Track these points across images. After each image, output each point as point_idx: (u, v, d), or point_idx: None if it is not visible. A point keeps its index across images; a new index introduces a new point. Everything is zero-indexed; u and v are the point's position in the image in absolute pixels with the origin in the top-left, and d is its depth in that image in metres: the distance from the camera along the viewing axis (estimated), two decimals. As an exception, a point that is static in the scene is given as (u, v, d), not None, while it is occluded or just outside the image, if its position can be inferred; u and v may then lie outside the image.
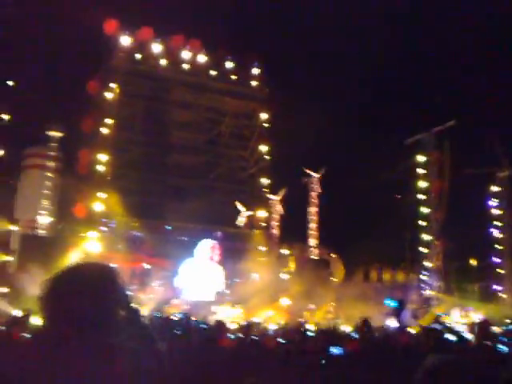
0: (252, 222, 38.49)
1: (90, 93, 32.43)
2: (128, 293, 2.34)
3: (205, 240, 35.89)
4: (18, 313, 13.40)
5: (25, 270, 23.57)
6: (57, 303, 2.05)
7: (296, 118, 34.81)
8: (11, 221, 31.21)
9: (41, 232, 33.48)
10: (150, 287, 30.95)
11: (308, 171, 40.51)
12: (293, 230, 39.09)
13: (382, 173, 34.61)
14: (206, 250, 35.85)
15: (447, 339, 7.95)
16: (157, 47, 38.88)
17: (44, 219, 33.98)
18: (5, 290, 23.32)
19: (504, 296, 33.20)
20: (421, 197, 36.43)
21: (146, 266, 32.22)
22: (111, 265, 2.48)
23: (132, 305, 2.36)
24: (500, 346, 6.10)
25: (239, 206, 38.09)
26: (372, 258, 34.39)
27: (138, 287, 29.23)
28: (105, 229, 31.71)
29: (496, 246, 34.99)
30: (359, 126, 41.13)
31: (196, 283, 34.52)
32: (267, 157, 39.61)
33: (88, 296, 2.04)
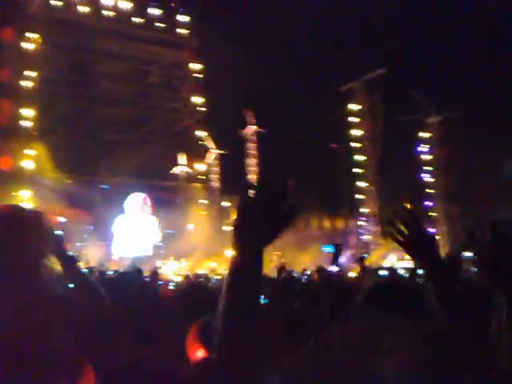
0: (191, 176, 37.88)
1: (4, 41, 29.92)
2: (60, 240, 2.25)
3: (134, 193, 35.07)
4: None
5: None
6: None
7: (230, 66, 33.99)
8: None
9: (-33, 193, 31.21)
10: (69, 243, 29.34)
11: (247, 116, 39.61)
12: (233, 182, 38.81)
13: (317, 121, 34.90)
14: (137, 203, 35.19)
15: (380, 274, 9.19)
16: (75, -7, 36.47)
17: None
18: None
19: (437, 237, 35.05)
20: (355, 145, 37.28)
21: (60, 218, 29.78)
22: (37, 210, 2.24)
23: (67, 252, 2.27)
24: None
25: (180, 158, 37.26)
26: (312, 207, 35.00)
27: None
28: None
29: (427, 190, 36.70)
30: (293, 74, 40.98)
31: (131, 238, 34.01)
32: (203, 108, 38.71)
33: (9, 241, 1.91)
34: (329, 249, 20.69)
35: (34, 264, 1.96)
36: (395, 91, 37.24)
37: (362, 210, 36.20)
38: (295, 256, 30.61)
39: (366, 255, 28.10)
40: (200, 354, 2.67)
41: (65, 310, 1.99)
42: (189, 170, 37.82)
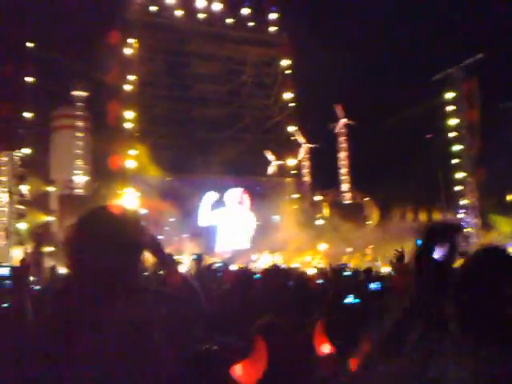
0: (282, 170, 38.37)
1: (111, 45, 31.74)
2: (157, 239, 2.27)
3: (233, 188, 36.06)
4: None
5: (65, 228, 23.84)
6: (77, 250, 2.00)
7: (319, 60, 33.94)
8: (48, 182, 31.64)
9: (78, 191, 33.81)
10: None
11: (338, 110, 39.51)
12: (324, 176, 38.92)
13: (411, 111, 33.98)
14: (236, 197, 36.05)
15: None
16: (170, -3, 37.88)
17: (79, 178, 34.24)
18: (51, 249, 23.61)
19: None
20: (452, 134, 35.85)
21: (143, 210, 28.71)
22: (136, 210, 2.31)
23: (164, 250, 2.31)
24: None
25: (269, 155, 37.95)
26: (407, 199, 34.13)
27: None
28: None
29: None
30: (385, 64, 40.07)
31: (229, 232, 35.07)
32: (292, 104, 39.01)
33: (110, 241, 1.97)
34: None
35: (133, 260, 2.05)
36: (494, 77, 35.42)
37: (461, 201, 34.74)
38: (388, 250, 29.96)
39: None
40: (326, 349, 2.81)
41: (163, 304, 2.08)
42: (280, 165, 38.30)
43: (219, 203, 35.53)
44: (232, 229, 35.28)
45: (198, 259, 10.08)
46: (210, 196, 35.45)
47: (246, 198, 36.36)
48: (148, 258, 2.20)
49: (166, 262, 2.33)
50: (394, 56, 42.44)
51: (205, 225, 34.80)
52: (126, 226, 2.05)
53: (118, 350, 1.84)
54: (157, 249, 2.25)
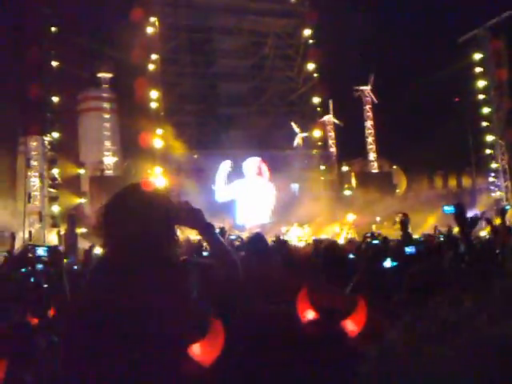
0: (308, 142, 38.22)
1: (133, 24, 31.80)
2: (195, 209, 2.31)
3: (251, 158, 35.62)
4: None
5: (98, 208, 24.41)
6: (110, 227, 2.08)
7: (342, 27, 33.24)
8: (78, 164, 32.41)
9: (108, 172, 34.51)
10: None
11: (358, 87, 39.13)
12: (351, 146, 38.58)
13: (437, 75, 33.31)
14: (254, 167, 35.92)
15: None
16: (191, -29, 37.47)
17: (109, 159, 34.86)
18: (84, 230, 24.31)
19: None
20: (481, 96, 35.04)
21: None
22: (161, 188, 2.42)
23: (203, 219, 2.34)
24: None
25: (294, 126, 37.78)
26: (435, 165, 33.66)
27: None
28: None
29: None
30: (410, 28, 39.05)
31: (250, 205, 34.61)
32: (316, 74, 38.61)
33: (141, 215, 2.03)
34: (448, 208, 19.98)
35: (166, 234, 2.11)
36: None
37: (491, 165, 34.11)
38: (419, 217, 29.82)
39: (508, 206, 26.48)
40: (310, 315, 2.97)
41: (194, 271, 2.11)
42: (306, 137, 38.13)
43: (238, 175, 35.02)
44: (252, 202, 34.55)
45: (222, 233, 10.47)
46: (225, 166, 34.70)
47: (265, 168, 35.94)
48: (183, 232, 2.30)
49: (208, 231, 2.37)
50: (419, 19, 41.31)
51: (222, 200, 34.04)
52: (156, 200, 2.12)
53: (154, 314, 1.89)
54: (196, 220, 2.30)
